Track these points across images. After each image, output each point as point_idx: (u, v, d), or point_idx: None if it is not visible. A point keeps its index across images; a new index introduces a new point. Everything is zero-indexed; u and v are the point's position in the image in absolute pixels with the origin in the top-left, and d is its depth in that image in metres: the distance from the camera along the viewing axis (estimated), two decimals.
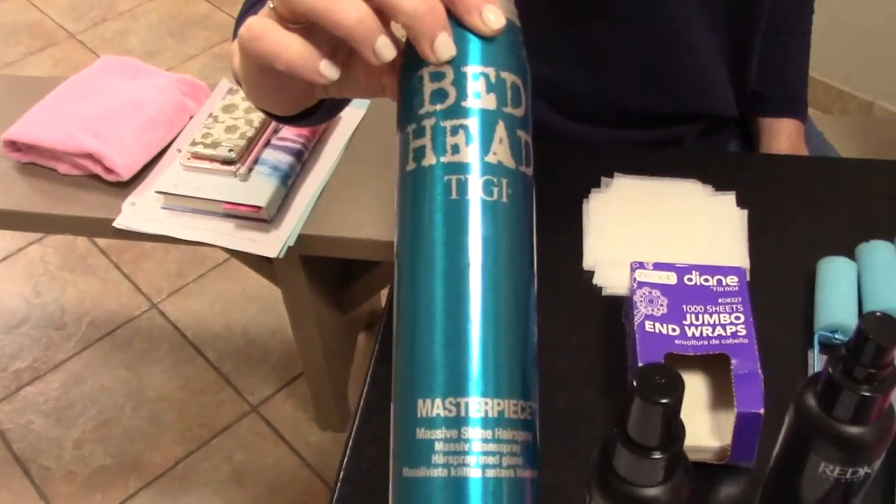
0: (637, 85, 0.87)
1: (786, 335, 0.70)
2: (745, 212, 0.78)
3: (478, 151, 0.40)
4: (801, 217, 0.79)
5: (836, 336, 0.68)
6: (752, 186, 0.80)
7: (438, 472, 0.38)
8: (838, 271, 0.71)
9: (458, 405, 0.38)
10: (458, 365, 0.38)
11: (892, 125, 1.76)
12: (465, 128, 0.40)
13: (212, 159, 1.21)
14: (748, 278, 0.74)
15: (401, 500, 0.39)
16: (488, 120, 0.40)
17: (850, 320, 0.68)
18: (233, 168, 1.20)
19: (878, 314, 0.43)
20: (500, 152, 0.40)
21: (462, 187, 0.40)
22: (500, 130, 0.40)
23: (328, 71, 0.42)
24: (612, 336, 0.70)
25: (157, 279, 1.79)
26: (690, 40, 0.85)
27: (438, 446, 0.38)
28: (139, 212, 1.22)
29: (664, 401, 0.40)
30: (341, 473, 0.63)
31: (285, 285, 1.30)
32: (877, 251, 0.72)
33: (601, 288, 0.73)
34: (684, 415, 0.64)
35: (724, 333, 0.63)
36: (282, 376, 1.61)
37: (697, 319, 0.64)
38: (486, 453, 0.38)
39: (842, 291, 0.70)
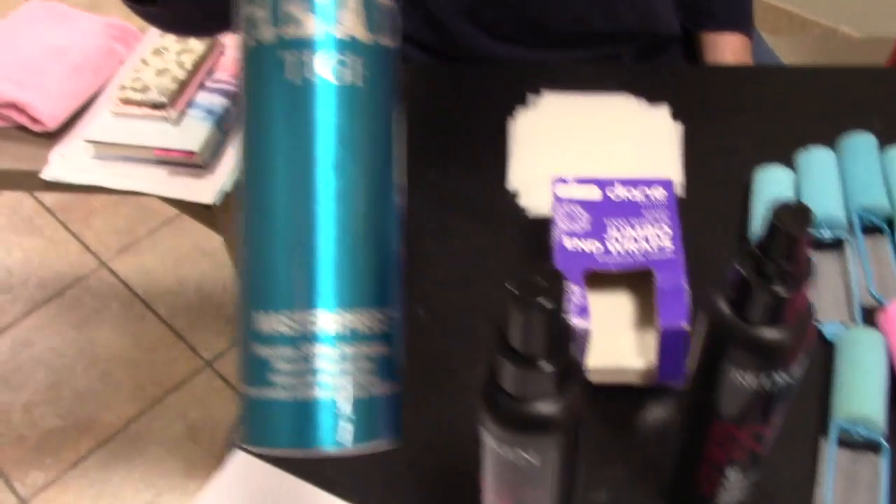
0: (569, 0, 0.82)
1: (720, 250, 0.66)
2: (680, 125, 0.74)
3: (322, 23, 0.33)
4: (737, 128, 0.74)
5: None
6: (686, 99, 0.76)
7: (279, 394, 0.34)
8: (774, 180, 0.67)
9: (300, 321, 0.34)
10: (300, 275, 0.34)
11: (851, 45, 1.71)
12: None
13: (141, 104, 1.16)
14: (684, 194, 0.70)
15: (244, 418, 0.35)
16: None
17: None
18: (164, 112, 1.15)
19: (790, 203, 0.39)
20: (352, 22, 0.33)
21: (304, 69, 0.33)
22: None
23: None
24: (537, 259, 0.66)
25: (105, 237, 1.73)
26: None
27: (279, 365, 0.34)
28: (68, 162, 1.16)
29: (545, 304, 0.35)
30: None
31: (228, 234, 1.25)
32: (815, 158, 0.68)
33: (526, 209, 0.69)
34: (609, 336, 0.60)
35: (649, 248, 0.59)
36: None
37: (621, 234, 0.60)
38: (332, 373, 0.34)
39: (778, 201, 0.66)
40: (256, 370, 0.35)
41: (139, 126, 1.15)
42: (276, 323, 0.34)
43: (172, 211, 1.74)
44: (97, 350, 1.56)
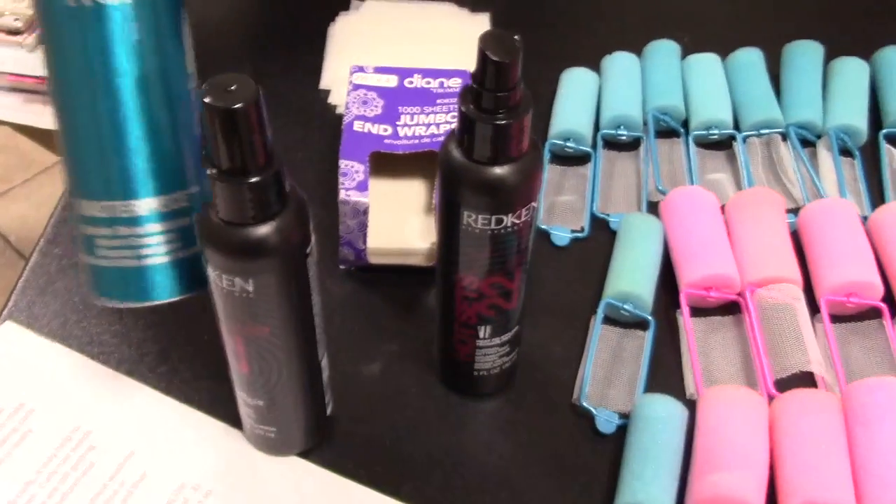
0: None
1: None
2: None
3: None
4: (554, 36, 0.75)
5: (569, 144, 0.65)
6: (508, 8, 0.77)
7: (103, 262, 0.44)
8: (578, 80, 0.68)
9: (111, 207, 0.42)
10: (111, 171, 0.42)
11: None
12: None
13: None
14: None
15: (86, 277, 0.45)
16: None
17: (583, 128, 0.65)
18: (19, 38, 1.12)
19: (495, 31, 0.40)
20: None
21: None
22: None
23: None
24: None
25: None
26: None
27: (100, 241, 0.43)
28: None
29: (233, 106, 0.35)
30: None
31: None
32: (618, 62, 0.69)
33: (336, 106, 0.69)
34: (396, 219, 0.60)
35: (437, 132, 0.59)
36: None
37: (412, 120, 0.60)
38: (143, 246, 0.43)
39: (579, 101, 0.67)
40: (85, 243, 0.44)
41: None
42: (94, 209, 0.43)
43: (51, 159, 1.70)
44: None
